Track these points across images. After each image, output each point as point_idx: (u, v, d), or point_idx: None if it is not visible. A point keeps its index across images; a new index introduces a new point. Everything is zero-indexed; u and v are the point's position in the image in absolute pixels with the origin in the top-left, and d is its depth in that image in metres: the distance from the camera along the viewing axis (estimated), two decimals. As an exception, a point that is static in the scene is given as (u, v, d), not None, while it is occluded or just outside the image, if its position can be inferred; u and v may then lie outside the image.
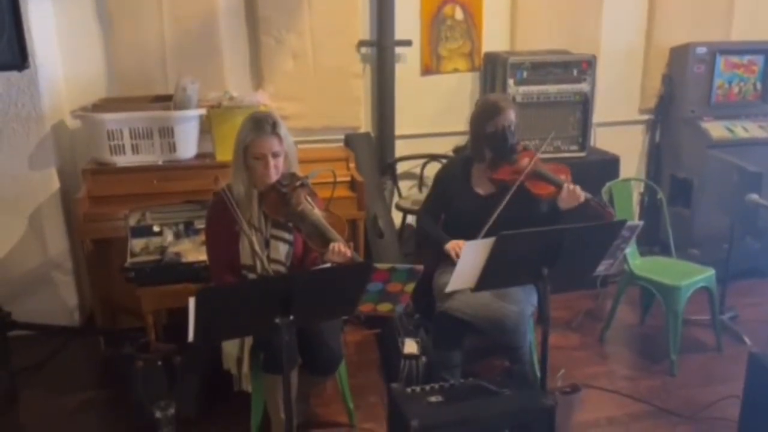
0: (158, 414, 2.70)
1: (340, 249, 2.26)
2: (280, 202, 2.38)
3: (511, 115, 2.75)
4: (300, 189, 2.39)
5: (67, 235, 3.57)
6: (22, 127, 3.38)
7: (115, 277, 3.24)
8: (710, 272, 3.29)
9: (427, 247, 2.93)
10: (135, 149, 3.39)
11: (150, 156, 3.41)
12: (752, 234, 3.83)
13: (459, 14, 4.09)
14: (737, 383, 2.54)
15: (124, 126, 3.34)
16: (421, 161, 4.12)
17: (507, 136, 2.72)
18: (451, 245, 2.72)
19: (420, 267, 2.16)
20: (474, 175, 2.86)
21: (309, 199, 2.39)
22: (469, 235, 2.52)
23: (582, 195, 2.61)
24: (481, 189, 2.83)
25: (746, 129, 4.17)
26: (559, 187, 2.66)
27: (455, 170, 2.91)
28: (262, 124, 2.39)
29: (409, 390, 2.27)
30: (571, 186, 2.62)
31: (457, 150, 4.08)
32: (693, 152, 4.21)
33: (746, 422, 2.47)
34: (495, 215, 2.61)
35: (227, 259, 2.45)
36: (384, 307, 2.20)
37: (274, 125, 2.39)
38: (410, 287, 2.17)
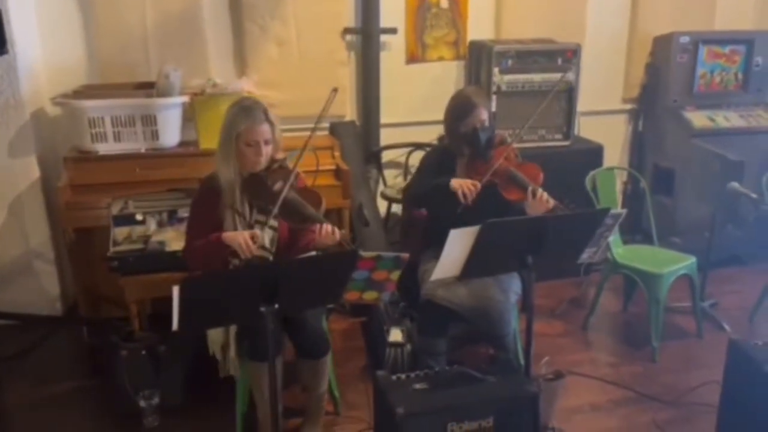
0: (143, 403, 2.70)
1: (328, 230, 2.28)
2: (258, 184, 2.38)
3: (483, 114, 2.72)
4: (278, 170, 2.41)
5: (48, 224, 3.52)
6: (0, 115, 3.33)
7: (98, 266, 3.21)
8: (691, 260, 3.33)
9: (430, 197, 2.81)
10: (117, 137, 3.35)
11: (132, 144, 3.37)
12: (733, 222, 3.88)
13: (444, 2, 4.08)
14: (717, 369, 2.58)
15: (105, 113, 3.29)
16: (406, 150, 4.12)
17: (479, 136, 2.70)
18: (458, 182, 2.63)
19: (405, 255, 2.15)
20: (458, 167, 2.85)
21: (289, 179, 2.38)
22: (446, 226, 2.48)
23: (550, 202, 2.55)
24: None
25: (728, 118, 4.22)
26: (527, 192, 2.61)
27: (441, 158, 2.89)
28: (254, 110, 2.39)
29: (394, 377, 2.28)
30: (539, 193, 2.57)
31: (442, 138, 4.06)
32: (675, 141, 4.24)
33: (726, 407, 2.51)
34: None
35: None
36: (370, 295, 2.19)
37: (266, 112, 2.40)
38: (396, 275, 2.17)
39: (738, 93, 4.34)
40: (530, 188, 2.59)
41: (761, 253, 4.09)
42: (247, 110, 2.39)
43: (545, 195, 2.56)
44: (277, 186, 2.35)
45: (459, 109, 2.76)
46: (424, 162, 2.98)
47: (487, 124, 2.74)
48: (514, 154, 2.77)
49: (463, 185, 2.61)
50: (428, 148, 3.90)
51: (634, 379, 3.05)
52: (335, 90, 2.40)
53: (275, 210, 2.28)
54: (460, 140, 2.76)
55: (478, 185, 2.62)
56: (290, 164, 2.48)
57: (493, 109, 3.85)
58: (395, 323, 3.04)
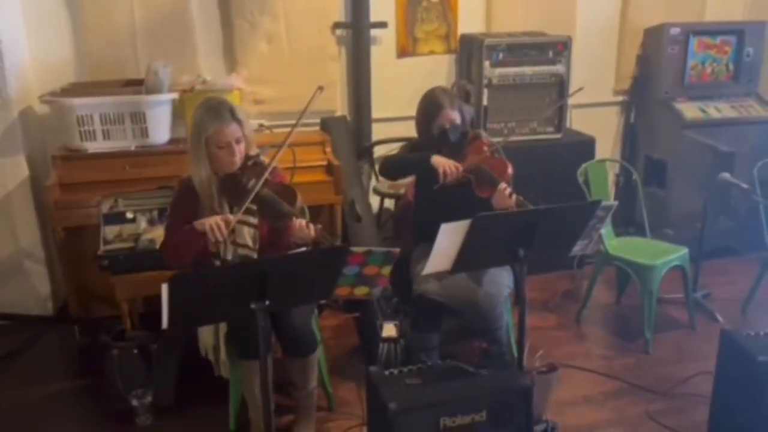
0: (135, 402, 2.69)
1: (302, 225, 2.27)
2: (234, 184, 2.36)
3: (451, 114, 2.70)
4: (252, 167, 2.38)
5: (38, 223, 3.50)
6: (-12, 114, 3.31)
7: (89, 265, 3.19)
8: (684, 251, 3.33)
9: (408, 170, 2.84)
10: (106, 135, 3.33)
11: (121, 141, 3.35)
12: (725, 213, 3.89)
13: (434, -4, 4.06)
14: (710, 360, 2.59)
15: (94, 111, 3.27)
16: (398, 145, 4.09)
17: (449, 137, 2.68)
18: (441, 161, 2.61)
19: (396, 250, 2.15)
20: None
21: (262, 176, 2.33)
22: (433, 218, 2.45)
23: (513, 197, 2.52)
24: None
25: (719, 109, 4.21)
26: (496, 189, 2.58)
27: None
28: (220, 111, 2.34)
29: (387, 373, 2.27)
30: (502, 186, 2.55)
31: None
32: (667, 133, 4.24)
33: (718, 397, 2.52)
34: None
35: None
36: (361, 291, 2.19)
37: (232, 111, 2.36)
38: (387, 270, 2.16)
39: (729, 84, 4.34)
40: (499, 185, 2.57)
41: (753, 244, 4.09)
42: (213, 111, 2.34)
43: (508, 190, 2.54)
44: (252, 183, 2.32)
45: (427, 111, 2.75)
46: (413, 146, 2.95)
47: (458, 122, 2.72)
48: (487, 148, 2.73)
49: (445, 164, 2.61)
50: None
51: (627, 371, 3.05)
52: (321, 88, 2.37)
53: (245, 205, 2.26)
54: (432, 141, 2.74)
55: (461, 168, 2.61)
56: (266, 159, 2.46)
57: (485, 102, 3.85)
58: (388, 318, 3.04)
